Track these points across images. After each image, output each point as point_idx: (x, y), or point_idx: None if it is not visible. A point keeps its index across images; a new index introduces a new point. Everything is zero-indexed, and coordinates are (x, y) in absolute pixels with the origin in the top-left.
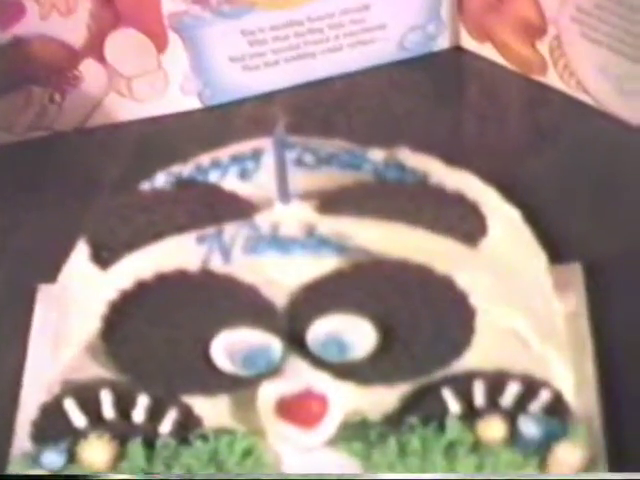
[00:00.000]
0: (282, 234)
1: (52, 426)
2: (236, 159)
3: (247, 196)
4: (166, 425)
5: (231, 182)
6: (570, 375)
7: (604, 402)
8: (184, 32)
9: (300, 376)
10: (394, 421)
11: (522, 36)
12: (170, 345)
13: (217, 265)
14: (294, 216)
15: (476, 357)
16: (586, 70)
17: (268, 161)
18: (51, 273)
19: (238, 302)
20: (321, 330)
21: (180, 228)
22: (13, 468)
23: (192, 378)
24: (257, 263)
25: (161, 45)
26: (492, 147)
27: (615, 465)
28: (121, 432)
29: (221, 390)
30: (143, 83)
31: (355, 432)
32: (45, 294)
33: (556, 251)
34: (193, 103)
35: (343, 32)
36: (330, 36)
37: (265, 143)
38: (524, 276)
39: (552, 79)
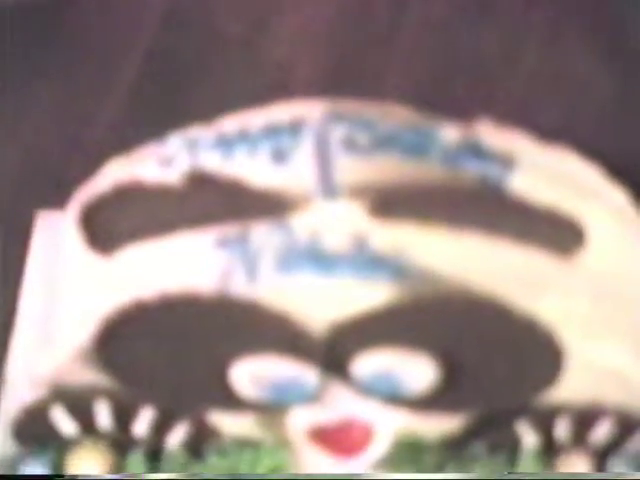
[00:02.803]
0: (324, 246)
1: (37, 431)
2: (270, 131)
3: (280, 186)
4: (175, 437)
5: (261, 164)
6: None
7: None
8: None
9: (341, 405)
10: (455, 446)
11: None
12: (179, 366)
13: (240, 285)
14: (340, 219)
15: (562, 391)
16: None
17: (309, 137)
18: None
19: (263, 332)
20: (367, 365)
21: (192, 224)
22: None
23: (208, 396)
24: (290, 285)
25: None
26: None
27: None
28: (119, 444)
29: (244, 410)
30: None
31: (407, 456)
32: (45, 223)
33: None
34: None
35: None
36: None
37: (308, 109)
38: (630, 289)
39: None
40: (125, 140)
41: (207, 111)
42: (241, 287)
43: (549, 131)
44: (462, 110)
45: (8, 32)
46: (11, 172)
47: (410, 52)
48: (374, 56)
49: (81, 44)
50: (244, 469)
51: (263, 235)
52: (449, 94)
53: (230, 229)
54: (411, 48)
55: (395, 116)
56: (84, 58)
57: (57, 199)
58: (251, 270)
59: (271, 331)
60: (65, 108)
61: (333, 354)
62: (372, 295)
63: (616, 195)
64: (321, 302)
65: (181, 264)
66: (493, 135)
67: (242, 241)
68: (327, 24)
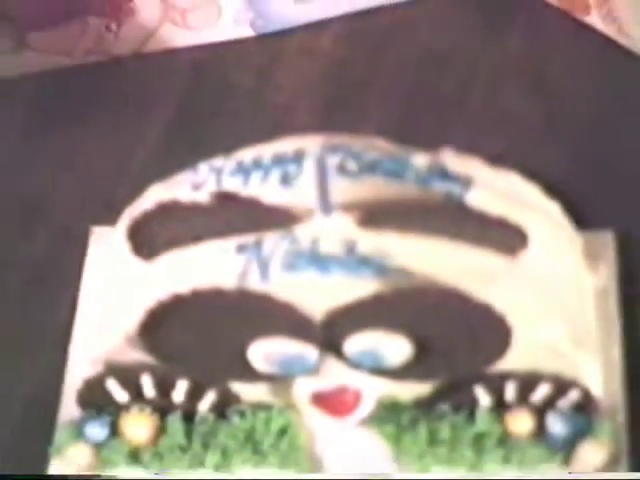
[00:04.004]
0: (322, 250)
1: (96, 399)
2: (278, 160)
3: (287, 204)
4: (205, 403)
5: (272, 187)
6: (599, 373)
7: (630, 392)
8: None
9: (336, 375)
10: (426, 406)
11: None
12: (207, 347)
13: (255, 281)
14: (335, 229)
15: (510, 362)
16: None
17: (310, 166)
18: (107, 208)
19: (274, 318)
20: (356, 344)
21: (218, 234)
22: (60, 435)
23: (230, 371)
24: (295, 281)
25: None
26: (534, 85)
27: (637, 464)
28: (161, 408)
29: (259, 381)
30: (197, 14)
31: (388, 414)
32: (98, 237)
33: (587, 216)
34: (246, 31)
35: None
36: None
37: (309, 142)
38: (562, 281)
39: (595, 21)
40: (164, 169)
41: (227, 145)
42: (256, 283)
43: (496, 157)
44: (427, 141)
45: (61, 89)
46: (70, 196)
47: (386, 97)
48: (358, 99)
49: (126, 95)
50: (260, 427)
51: (274, 242)
52: (417, 129)
53: (248, 238)
54: (386, 94)
55: (377, 147)
56: (129, 106)
57: (108, 217)
58: (264, 270)
59: (280, 318)
60: (113, 144)
61: (329, 336)
62: (360, 288)
63: (551, 206)
64: (319, 294)
65: (208, 266)
66: (454, 161)
67: (257, 247)
68: (319, 74)
